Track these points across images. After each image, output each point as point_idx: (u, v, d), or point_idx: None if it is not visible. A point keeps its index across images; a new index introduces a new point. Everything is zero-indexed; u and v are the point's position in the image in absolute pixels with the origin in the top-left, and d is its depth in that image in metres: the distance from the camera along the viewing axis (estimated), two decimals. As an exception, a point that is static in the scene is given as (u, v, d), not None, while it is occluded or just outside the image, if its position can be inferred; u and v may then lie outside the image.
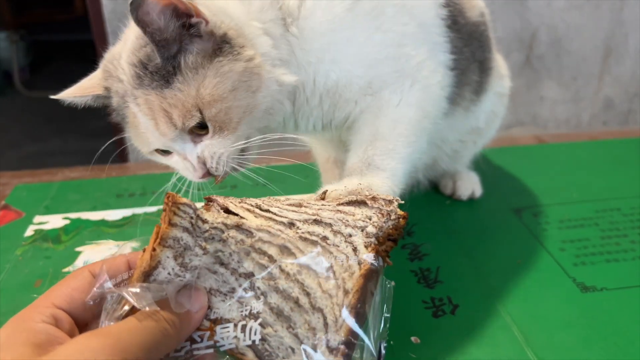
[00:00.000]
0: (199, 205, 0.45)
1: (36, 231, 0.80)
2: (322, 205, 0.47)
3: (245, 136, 0.60)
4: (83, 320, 0.42)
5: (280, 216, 0.46)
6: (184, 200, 0.42)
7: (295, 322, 0.43)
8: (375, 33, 0.64)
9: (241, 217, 0.45)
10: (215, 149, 0.58)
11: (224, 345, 0.43)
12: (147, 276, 0.41)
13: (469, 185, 0.88)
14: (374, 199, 0.47)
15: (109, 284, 0.41)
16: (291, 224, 0.45)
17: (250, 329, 0.43)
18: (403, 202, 0.48)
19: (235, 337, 0.43)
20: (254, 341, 0.43)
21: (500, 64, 0.85)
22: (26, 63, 3.30)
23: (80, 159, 2.35)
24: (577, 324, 0.63)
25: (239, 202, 0.48)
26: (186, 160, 0.59)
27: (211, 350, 0.43)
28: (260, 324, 0.43)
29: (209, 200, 0.48)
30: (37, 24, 3.45)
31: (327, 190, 0.46)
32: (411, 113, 0.66)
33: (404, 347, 0.59)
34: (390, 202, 0.48)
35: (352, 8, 0.63)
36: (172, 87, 0.56)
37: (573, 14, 1.86)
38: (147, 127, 0.58)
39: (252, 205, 0.47)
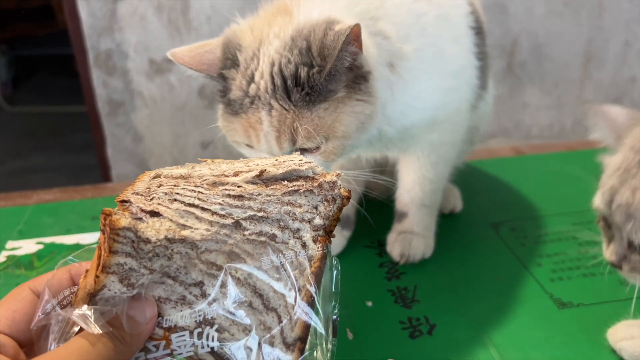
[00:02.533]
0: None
1: (8, 257, 0.78)
2: (267, 196, 0.44)
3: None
4: (26, 341, 0.40)
5: (224, 215, 0.43)
6: (123, 224, 0.39)
7: (250, 324, 0.43)
8: (445, 78, 0.69)
9: (182, 226, 0.42)
10: None
11: (181, 354, 0.42)
12: (92, 296, 0.40)
13: (451, 199, 0.88)
14: (320, 185, 0.45)
15: (56, 307, 0.40)
16: (237, 225, 0.43)
17: (207, 335, 0.42)
18: (342, 173, 0.47)
19: (193, 344, 0.42)
20: (212, 348, 0.42)
21: None
22: (8, 78, 3.26)
23: (63, 175, 2.33)
24: (554, 341, 0.62)
25: (169, 199, 0.43)
26: None
27: (168, 359, 0.42)
28: (216, 330, 0.42)
29: (123, 202, 0.42)
30: (18, 39, 3.42)
31: (265, 170, 0.44)
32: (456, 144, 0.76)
33: (379, 371, 0.59)
34: (334, 184, 0.46)
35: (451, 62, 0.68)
36: (313, 111, 0.57)
37: (553, 21, 1.87)
38: (267, 135, 0.58)
39: (187, 205, 0.43)
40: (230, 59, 0.60)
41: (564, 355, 0.61)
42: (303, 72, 0.56)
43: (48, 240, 0.82)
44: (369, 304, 0.69)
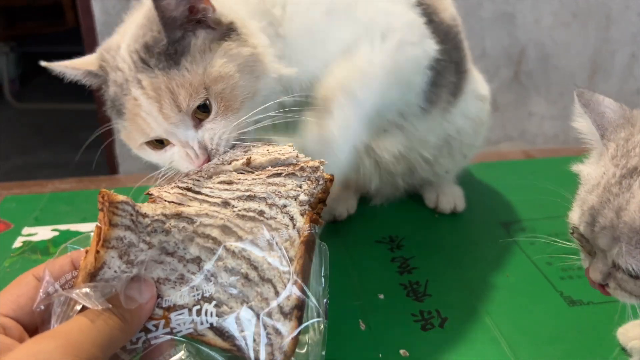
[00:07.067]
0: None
1: (25, 242, 0.79)
2: (253, 179, 0.48)
3: (245, 118, 0.60)
4: (32, 325, 0.41)
5: (213, 197, 0.47)
6: (121, 197, 0.42)
7: (247, 296, 0.44)
8: (347, 25, 0.68)
9: (179, 204, 0.45)
10: (216, 130, 0.58)
11: (181, 331, 0.43)
12: (93, 277, 0.41)
13: (451, 199, 0.89)
14: (302, 169, 0.49)
15: (56, 287, 0.41)
16: (226, 204, 0.47)
17: (206, 312, 0.44)
18: (327, 162, 0.49)
19: (192, 321, 0.43)
20: (211, 323, 0.43)
21: (475, 71, 0.87)
22: (16, 75, 3.28)
23: (70, 171, 2.34)
24: (564, 337, 0.63)
25: (172, 187, 0.49)
26: (187, 148, 0.58)
27: (168, 337, 0.43)
28: (215, 305, 0.44)
29: (151, 195, 0.49)
30: (27, 36, 3.45)
31: (251, 157, 0.48)
32: (384, 60, 0.68)
33: (393, 360, 0.60)
34: (317, 168, 0.49)
35: (329, 12, 0.67)
36: (180, 67, 0.57)
37: (560, 32, 1.89)
38: (150, 111, 0.57)
39: (184, 189, 0.48)
40: (104, 59, 0.61)
41: (574, 352, 0.61)
42: (149, 37, 0.57)
43: (64, 227, 0.83)
44: (381, 296, 0.70)
